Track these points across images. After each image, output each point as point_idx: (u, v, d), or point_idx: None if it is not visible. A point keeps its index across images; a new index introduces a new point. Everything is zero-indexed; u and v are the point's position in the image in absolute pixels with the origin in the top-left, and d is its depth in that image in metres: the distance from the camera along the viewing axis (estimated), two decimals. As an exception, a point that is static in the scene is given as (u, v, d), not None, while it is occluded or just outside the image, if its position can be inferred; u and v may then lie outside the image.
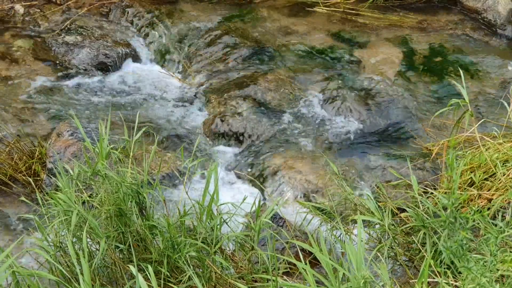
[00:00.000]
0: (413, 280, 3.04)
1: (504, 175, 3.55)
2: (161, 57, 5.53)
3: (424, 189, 3.62)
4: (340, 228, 3.20)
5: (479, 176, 3.62)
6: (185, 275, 2.85)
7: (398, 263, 3.26)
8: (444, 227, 3.03)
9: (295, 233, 3.55)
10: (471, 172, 3.70)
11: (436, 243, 3.04)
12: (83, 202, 3.12)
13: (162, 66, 5.46)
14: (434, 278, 2.83)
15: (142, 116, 4.65)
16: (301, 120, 4.69)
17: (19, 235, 3.71)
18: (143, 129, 3.44)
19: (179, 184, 4.07)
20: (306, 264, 2.55)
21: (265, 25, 5.76)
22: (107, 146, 3.10)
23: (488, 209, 3.32)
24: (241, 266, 3.13)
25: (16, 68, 5.22)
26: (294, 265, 3.01)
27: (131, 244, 2.92)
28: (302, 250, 3.14)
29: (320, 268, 3.10)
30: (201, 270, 2.99)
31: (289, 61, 5.29)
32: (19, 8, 5.88)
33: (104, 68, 5.31)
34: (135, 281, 2.52)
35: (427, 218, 3.16)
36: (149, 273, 2.54)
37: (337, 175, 3.65)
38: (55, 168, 3.54)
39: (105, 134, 3.12)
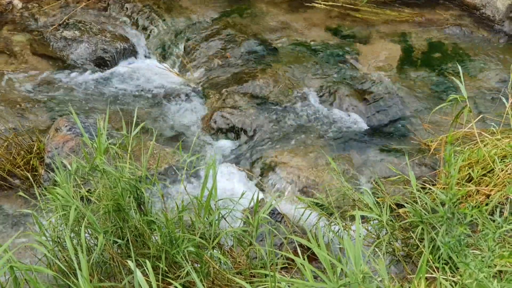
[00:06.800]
0: (411, 276, 3.05)
1: (502, 171, 3.55)
2: (160, 52, 5.52)
3: (422, 184, 3.62)
4: (338, 224, 3.21)
5: (477, 171, 3.62)
6: (183, 270, 2.85)
7: (396, 258, 3.27)
8: (442, 223, 3.03)
9: (293, 229, 3.55)
10: (469, 167, 3.70)
11: (434, 238, 3.04)
12: (81, 197, 3.12)
13: (160, 61, 5.46)
14: (432, 274, 2.83)
15: (140, 111, 4.65)
16: (299, 115, 4.68)
17: (17, 230, 3.71)
18: (141, 124, 3.43)
19: (177, 179, 4.07)
20: (304, 259, 2.54)
21: (264, 20, 5.76)
22: (105, 141, 3.10)
23: (486, 204, 3.33)
24: (239, 262, 3.13)
25: (14, 63, 5.21)
26: (293, 260, 3.01)
27: (129, 239, 2.92)
28: (301, 245, 3.14)
29: (318, 264, 3.10)
30: (199, 265, 2.99)
31: (287, 56, 5.29)
32: (17, 2, 5.87)
33: (102, 63, 5.30)
34: (133, 276, 2.52)
35: (425, 214, 3.16)
36: (147, 268, 2.54)
37: (335, 171, 3.65)
38: (53, 163, 3.54)
39: (103, 129, 3.11)
